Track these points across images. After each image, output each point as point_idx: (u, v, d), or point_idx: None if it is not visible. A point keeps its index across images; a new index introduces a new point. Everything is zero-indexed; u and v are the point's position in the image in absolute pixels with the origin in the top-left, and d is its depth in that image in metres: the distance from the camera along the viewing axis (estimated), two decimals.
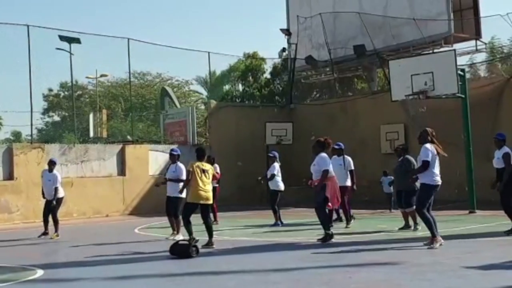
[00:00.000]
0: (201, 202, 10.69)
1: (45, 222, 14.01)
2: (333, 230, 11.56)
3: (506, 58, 26.26)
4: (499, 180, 11.03)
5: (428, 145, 9.69)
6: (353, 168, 14.09)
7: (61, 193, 14.03)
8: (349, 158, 14.09)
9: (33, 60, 20.07)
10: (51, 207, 13.89)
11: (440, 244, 9.59)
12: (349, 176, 13.95)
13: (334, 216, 14.14)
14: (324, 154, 11.00)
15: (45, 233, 13.89)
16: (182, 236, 11.94)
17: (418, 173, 9.89)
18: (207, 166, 10.92)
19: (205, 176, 10.70)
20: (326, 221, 10.97)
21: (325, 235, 10.81)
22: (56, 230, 13.73)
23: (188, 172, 10.86)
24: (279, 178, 15.06)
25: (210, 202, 10.90)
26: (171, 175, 12.63)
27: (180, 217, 11.61)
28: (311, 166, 11.09)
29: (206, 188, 10.70)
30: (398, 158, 12.67)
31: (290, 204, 16.43)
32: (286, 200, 15.50)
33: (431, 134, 9.87)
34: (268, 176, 15.05)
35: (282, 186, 15.13)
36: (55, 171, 14.11)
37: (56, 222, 13.83)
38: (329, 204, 10.94)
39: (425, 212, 9.71)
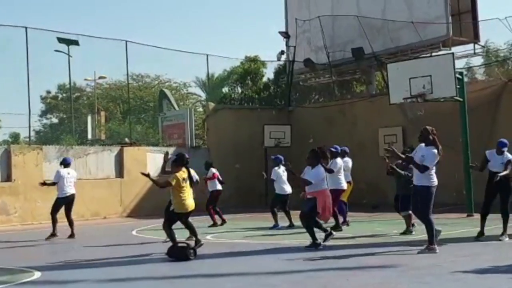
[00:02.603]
0: (187, 212, 10.43)
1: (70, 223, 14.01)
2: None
3: (504, 61, 26.32)
4: (492, 181, 11.04)
5: (435, 150, 9.64)
6: (334, 170, 13.38)
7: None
8: (336, 160, 13.67)
9: (31, 62, 20.10)
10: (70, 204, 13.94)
11: (435, 252, 9.53)
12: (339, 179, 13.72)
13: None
14: (318, 169, 10.80)
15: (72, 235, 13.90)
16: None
17: (415, 167, 9.64)
18: (186, 173, 10.46)
19: (187, 185, 10.36)
20: (310, 230, 10.78)
21: (312, 243, 10.75)
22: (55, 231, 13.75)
23: (168, 183, 10.31)
24: (283, 182, 15.04)
25: (193, 207, 10.53)
26: None
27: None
28: (305, 176, 10.97)
29: (189, 197, 10.40)
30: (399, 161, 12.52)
31: (289, 206, 16.40)
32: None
33: (432, 132, 9.84)
34: (276, 183, 15.08)
35: (287, 190, 15.10)
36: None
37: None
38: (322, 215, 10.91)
39: (430, 218, 9.61)
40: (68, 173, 14.12)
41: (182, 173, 10.36)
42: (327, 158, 11.24)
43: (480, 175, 16.19)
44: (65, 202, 13.92)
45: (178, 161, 10.54)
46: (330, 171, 13.29)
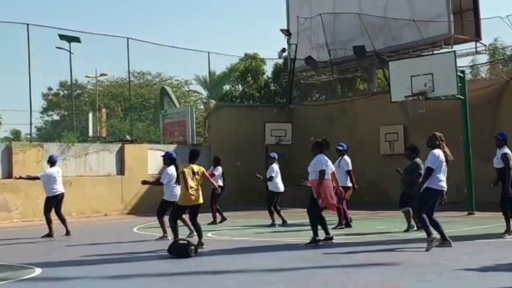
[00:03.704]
0: (192, 204, 10.60)
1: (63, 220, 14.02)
2: (333, 232, 11.63)
3: (508, 60, 26.27)
4: (499, 180, 11.00)
5: (435, 151, 9.64)
6: (349, 168, 13.70)
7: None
8: (346, 159, 13.83)
9: (32, 59, 20.11)
10: (59, 203, 13.92)
11: (435, 243, 9.54)
12: (347, 177, 13.80)
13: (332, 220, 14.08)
14: (320, 156, 10.89)
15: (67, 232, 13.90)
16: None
17: (425, 180, 9.66)
18: (197, 168, 10.75)
19: (196, 179, 10.60)
20: (313, 225, 10.81)
21: (312, 239, 10.75)
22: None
23: (178, 175, 10.95)
24: (278, 180, 15.05)
25: (201, 201, 10.72)
26: None
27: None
28: (308, 167, 11.02)
29: (196, 191, 10.58)
30: (408, 160, 12.55)
31: (287, 204, 16.41)
32: (283, 200, 15.51)
33: (440, 139, 9.82)
34: (268, 177, 15.04)
35: (281, 188, 15.12)
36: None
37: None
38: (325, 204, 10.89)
39: (423, 216, 9.65)
40: (58, 172, 14.00)
41: (194, 167, 10.64)
42: (329, 147, 11.30)
43: (479, 175, 16.26)
44: (55, 201, 13.87)
45: (193, 156, 10.88)
46: (348, 172, 13.44)
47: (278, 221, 14.88)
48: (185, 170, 10.54)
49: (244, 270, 8.64)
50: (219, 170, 16.24)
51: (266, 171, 15.58)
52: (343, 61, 25.71)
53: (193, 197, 10.52)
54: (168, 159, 12.16)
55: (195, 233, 11.80)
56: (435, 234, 9.69)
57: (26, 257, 10.43)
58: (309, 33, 26.78)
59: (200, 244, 10.58)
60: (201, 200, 10.70)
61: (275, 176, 14.97)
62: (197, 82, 40.50)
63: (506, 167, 10.74)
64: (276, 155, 15.47)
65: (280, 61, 30.02)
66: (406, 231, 12.29)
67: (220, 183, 16.13)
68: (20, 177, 14.35)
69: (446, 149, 9.77)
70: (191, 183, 10.48)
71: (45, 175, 13.90)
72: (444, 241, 9.81)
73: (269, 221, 14.94)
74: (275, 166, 15.09)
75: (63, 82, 42.74)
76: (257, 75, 31.62)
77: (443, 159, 9.65)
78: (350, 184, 13.82)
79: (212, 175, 16.05)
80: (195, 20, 74.89)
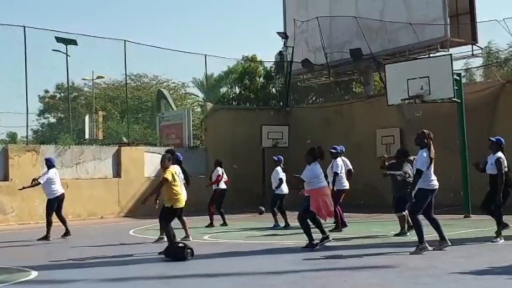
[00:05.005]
0: (182, 206, 10.61)
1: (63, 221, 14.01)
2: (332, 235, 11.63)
3: (503, 63, 26.35)
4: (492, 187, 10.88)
5: (425, 153, 9.64)
6: (337, 171, 13.51)
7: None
8: (338, 161, 13.75)
9: (29, 61, 20.09)
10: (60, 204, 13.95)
11: (423, 252, 9.49)
12: (343, 178, 13.78)
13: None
14: (313, 166, 10.83)
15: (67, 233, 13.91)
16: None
17: (415, 183, 9.61)
18: (176, 168, 10.75)
19: (179, 179, 10.63)
20: (307, 231, 10.75)
21: (308, 243, 10.72)
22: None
23: (164, 179, 10.45)
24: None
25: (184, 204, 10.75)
26: None
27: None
28: (302, 176, 10.96)
29: (182, 192, 10.62)
30: (393, 161, 12.60)
31: (285, 207, 16.39)
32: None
33: (428, 136, 9.83)
34: (276, 184, 15.07)
35: (285, 190, 15.14)
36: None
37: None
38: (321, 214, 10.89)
39: (418, 218, 9.65)
40: (55, 173, 14.09)
41: (174, 168, 10.56)
42: (324, 157, 11.26)
43: (475, 178, 16.28)
44: (57, 202, 13.89)
45: (164, 161, 10.65)
46: (335, 174, 13.41)
47: (280, 223, 14.90)
48: (172, 173, 10.41)
49: (240, 273, 8.65)
50: (219, 171, 16.36)
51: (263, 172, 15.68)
52: (339, 64, 25.75)
53: (181, 199, 10.52)
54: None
55: (191, 238, 11.90)
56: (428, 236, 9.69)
57: (22, 259, 10.42)
58: (305, 35, 26.82)
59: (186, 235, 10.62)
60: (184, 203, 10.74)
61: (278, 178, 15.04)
62: (194, 85, 40.48)
63: (499, 173, 10.57)
64: (281, 158, 15.49)
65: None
66: (397, 235, 12.29)
67: (222, 186, 16.27)
68: (23, 187, 14.27)
69: (432, 149, 9.75)
70: (178, 187, 10.45)
71: (43, 178, 13.90)
72: (442, 241, 9.80)
73: (269, 223, 14.96)
74: (280, 169, 15.13)
75: (59, 84, 42.66)
76: (254, 77, 31.61)
77: (431, 158, 9.65)
78: (346, 187, 13.83)
79: (221, 178, 16.22)
80: (192, 23, 74.95)
